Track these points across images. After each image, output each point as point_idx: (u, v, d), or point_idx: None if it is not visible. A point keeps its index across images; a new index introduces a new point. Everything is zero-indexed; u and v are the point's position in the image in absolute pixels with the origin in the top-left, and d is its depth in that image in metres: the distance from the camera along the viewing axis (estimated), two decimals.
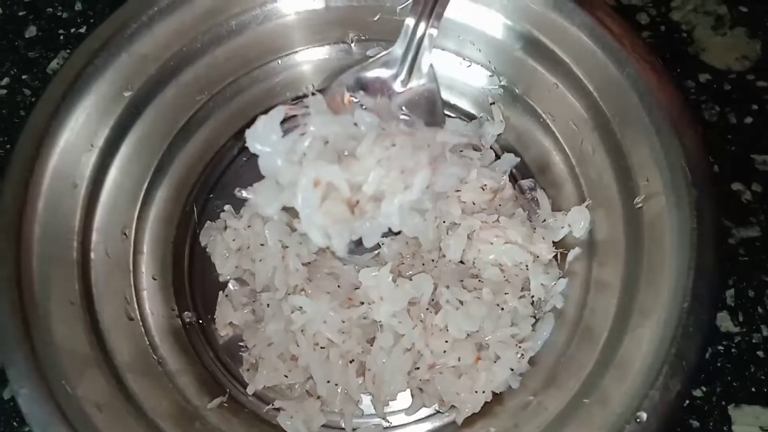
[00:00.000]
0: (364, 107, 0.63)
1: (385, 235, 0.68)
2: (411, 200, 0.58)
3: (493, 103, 0.75)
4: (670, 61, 0.79)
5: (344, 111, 0.64)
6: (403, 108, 0.66)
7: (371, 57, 0.68)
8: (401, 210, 0.58)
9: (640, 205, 0.61)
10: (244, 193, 0.63)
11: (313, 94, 0.63)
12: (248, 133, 0.60)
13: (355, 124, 0.59)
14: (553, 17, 0.66)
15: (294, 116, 0.60)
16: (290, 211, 0.70)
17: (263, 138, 0.60)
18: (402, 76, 0.66)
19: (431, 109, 0.67)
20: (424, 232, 0.64)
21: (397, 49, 0.66)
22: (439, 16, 0.63)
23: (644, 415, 0.49)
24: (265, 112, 0.76)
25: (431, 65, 0.65)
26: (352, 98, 0.66)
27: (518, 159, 0.74)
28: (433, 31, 0.63)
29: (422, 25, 0.63)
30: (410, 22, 0.64)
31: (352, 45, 0.77)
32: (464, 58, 0.75)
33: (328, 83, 0.69)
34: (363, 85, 0.67)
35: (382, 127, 0.59)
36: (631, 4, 0.84)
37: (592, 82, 0.66)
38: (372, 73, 0.67)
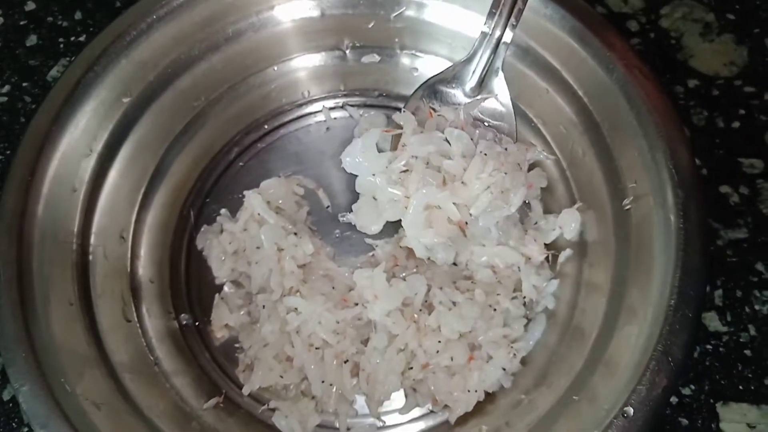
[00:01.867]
0: (448, 122, 0.68)
1: (377, 237, 0.70)
2: (508, 215, 0.65)
3: None
4: (659, 68, 0.81)
5: (428, 122, 0.68)
6: (480, 114, 0.70)
7: (444, 69, 0.70)
8: (498, 224, 0.65)
9: (628, 207, 0.62)
10: (347, 217, 0.69)
11: (402, 111, 0.68)
12: (344, 153, 0.66)
13: (446, 140, 0.65)
14: (543, 24, 0.68)
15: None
16: (284, 214, 0.71)
17: (360, 158, 0.65)
18: (474, 84, 0.69)
19: (502, 115, 0.69)
20: (514, 235, 0.68)
21: (470, 59, 0.69)
22: (513, 27, 0.66)
23: (631, 410, 0.50)
24: (262, 117, 0.79)
25: (502, 73, 0.68)
26: (432, 109, 0.69)
27: None
28: (507, 38, 0.66)
29: (497, 33, 0.66)
30: (485, 30, 0.67)
31: (347, 52, 0.79)
32: None
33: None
34: (439, 95, 0.70)
35: (484, 151, 0.64)
36: (621, 11, 0.85)
37: (581, 87, 0.68)
38: (446, 83, 0.70)
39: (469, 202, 0.63)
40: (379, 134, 0.67)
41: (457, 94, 0.70)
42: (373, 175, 0.65)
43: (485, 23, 0.67)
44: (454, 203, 0.62)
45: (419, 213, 0.62)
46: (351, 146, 0.65)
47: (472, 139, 0.66)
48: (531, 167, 0.70)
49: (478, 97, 0.69)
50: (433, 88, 0.70)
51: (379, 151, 0.67)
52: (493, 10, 0.66)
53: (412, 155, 0.64)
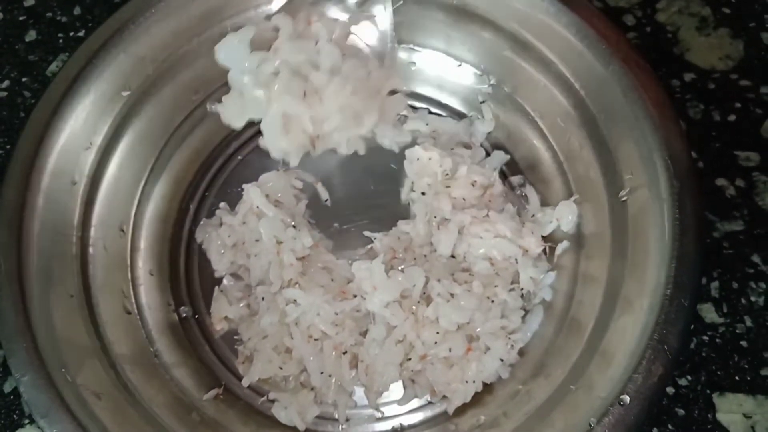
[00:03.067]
0: (324, 35, 0.66)
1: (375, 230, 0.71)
2: (360, 135, 0.65)
3: (483, 101, 0.77)
4: (655, 61, 0.81)
5: (305, 30, 0.66)
6: (358, 32, 0.68)
7: None
8: (349, 140, 0.65)
9: (625, 198, 0.63)
10: (216, 107, 0.68)
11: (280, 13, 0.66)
12: (218, 46, 0.64)
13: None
14: (540, 17, 0.68)
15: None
16: (283, 208, 0.72)
17: (232, 53, 0.64)
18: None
19: (384, 37, 0.68)
20: (362, 148, 0.68)
21: None
22: None
23: (627, 398, 0.51)
24: None
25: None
26: (313, 19, 0.67)
27: (508, 156, 0.75)
28: None
29: None
30: None
31: None
32: (454, 58, 0.77)
33: None
34: (321, 3, 0.68)
35: (347, 73, 0.64)
36: (617, 6, 0.86)
37: (578, 80, 0.68)
38: None
39: (324, 118, 0.63)
40: (254, 32, 0.65)
41: (339, 7, 0.68)
42: (242, 72, 0.64)
43: None
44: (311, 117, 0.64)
45: (277, 119, 0.63)
46: (226, 39, 0.64)
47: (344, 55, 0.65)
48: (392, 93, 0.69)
49: (358, 13, 0.68)
50: None
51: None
52: None
53: (282, 60, 0.64)
